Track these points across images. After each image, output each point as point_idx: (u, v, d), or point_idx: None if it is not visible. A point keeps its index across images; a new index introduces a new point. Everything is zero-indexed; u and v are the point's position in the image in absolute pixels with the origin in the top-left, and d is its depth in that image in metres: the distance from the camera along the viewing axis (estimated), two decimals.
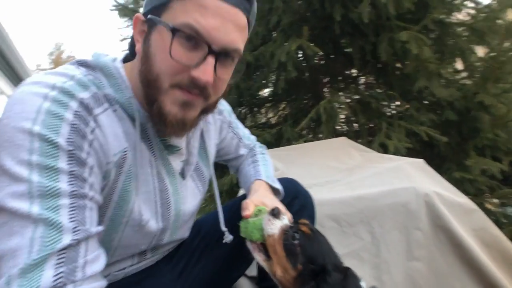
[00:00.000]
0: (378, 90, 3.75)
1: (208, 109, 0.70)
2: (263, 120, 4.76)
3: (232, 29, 0.61)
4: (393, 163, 1.79)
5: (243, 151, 1.08)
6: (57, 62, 23.93)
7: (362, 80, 3.98)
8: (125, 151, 0.65)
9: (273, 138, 3.42)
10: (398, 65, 2.94)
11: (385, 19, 2.54)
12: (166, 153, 0.75)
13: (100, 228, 0.58)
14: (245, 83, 3.77)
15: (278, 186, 0.95)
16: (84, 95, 0.60)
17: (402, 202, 1.39)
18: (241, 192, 1.60)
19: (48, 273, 0.47)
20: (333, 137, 3.23)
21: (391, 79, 3.00)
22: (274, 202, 0.87)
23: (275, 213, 0.79)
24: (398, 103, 3.06)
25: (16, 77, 6.20)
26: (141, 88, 0.66)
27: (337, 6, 2.62)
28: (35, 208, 0.49)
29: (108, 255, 0.70)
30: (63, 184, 0.52)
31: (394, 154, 2.45)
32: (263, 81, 4.00)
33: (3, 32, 5.13)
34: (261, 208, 0.82)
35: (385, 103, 3.92)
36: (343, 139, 2.62)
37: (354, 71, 3.84)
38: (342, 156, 2.27)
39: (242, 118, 4.51)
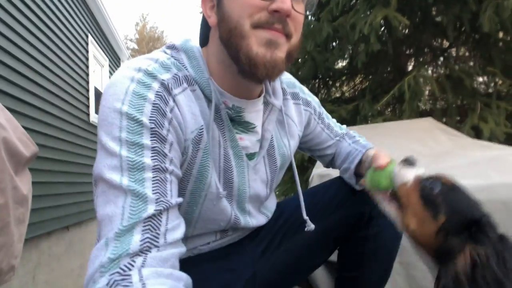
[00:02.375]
0: (471, 64, 3.34)
1: (291, 54, 0.71)
2: (337, 94, 4.57)
3: None
4: (492, 152, 1.58)
5: (333, 141, 1.04)
6: (141, 33, 25.10)
7: (453, 52, 3.56)
8: (201, 129, 0.71)
9: (349, 115, 3.27)
10: (503, 36, 2.56)
11: None
12: (237, 132, 0.77)
13: (180, 199, 0.63)
14: (321, 55, 3.60)
15: None
16: (165, 76, 0.67)
17: (502, 200, 1.22)
18: (329, 173, 1.54)
19: (136, 238, 0.53)
20: (416, 116, 2.99)
21: (491, 52, 2.63)
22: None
23: (410, 161, 0.72)
24: (498, 80, 2.68)
25: (111, 49, 6.56)
26: (218, 65, 0.72)
27: None
28: (125, 180, 0.56)
29: (190, 226, 0.78)
30: (147, 158, 0.58)
31: (489, 140, 2.20)
32: (340, 53, 3.80)
33: (101, 6, 5.41)
34: (392, 160, 0.77)
35: (480, 79, 3.48)
36: (429, 120, 2.40)
37: (444, 43, 3.45)
38: (427, 139, 2.09)
39: (316, 92, 4.38)
